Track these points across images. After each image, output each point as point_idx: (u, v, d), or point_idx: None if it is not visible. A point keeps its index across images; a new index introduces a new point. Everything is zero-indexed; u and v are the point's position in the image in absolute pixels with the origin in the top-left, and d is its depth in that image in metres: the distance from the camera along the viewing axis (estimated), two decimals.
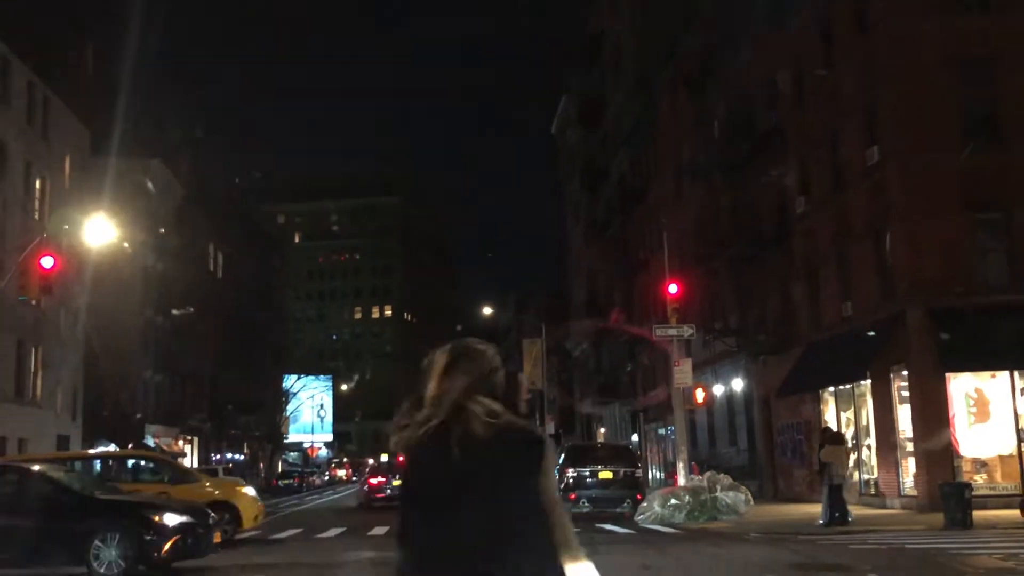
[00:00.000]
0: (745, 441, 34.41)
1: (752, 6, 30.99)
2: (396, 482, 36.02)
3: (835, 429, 23.71)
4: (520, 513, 2.83)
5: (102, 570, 13.47)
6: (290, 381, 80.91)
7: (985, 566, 13.05)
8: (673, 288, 27.60)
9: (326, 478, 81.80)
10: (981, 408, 22.36)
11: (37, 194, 39.90)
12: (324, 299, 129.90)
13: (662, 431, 43.95)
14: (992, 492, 21.58)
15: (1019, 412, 22.13)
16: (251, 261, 73.37)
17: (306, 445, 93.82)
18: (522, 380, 3.83)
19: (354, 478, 78.64)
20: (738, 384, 34.84)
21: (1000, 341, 21.79)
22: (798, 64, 28.85)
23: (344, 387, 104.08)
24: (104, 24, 47.37)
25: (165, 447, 48.92)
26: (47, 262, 22.76)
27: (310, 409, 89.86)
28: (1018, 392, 22.20)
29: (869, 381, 24.60)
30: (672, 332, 26.90)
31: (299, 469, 75.44)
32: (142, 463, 21.53)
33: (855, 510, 21.39)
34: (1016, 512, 18.47)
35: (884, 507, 23.64)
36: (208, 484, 20.77)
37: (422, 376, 3.04)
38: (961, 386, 22.41)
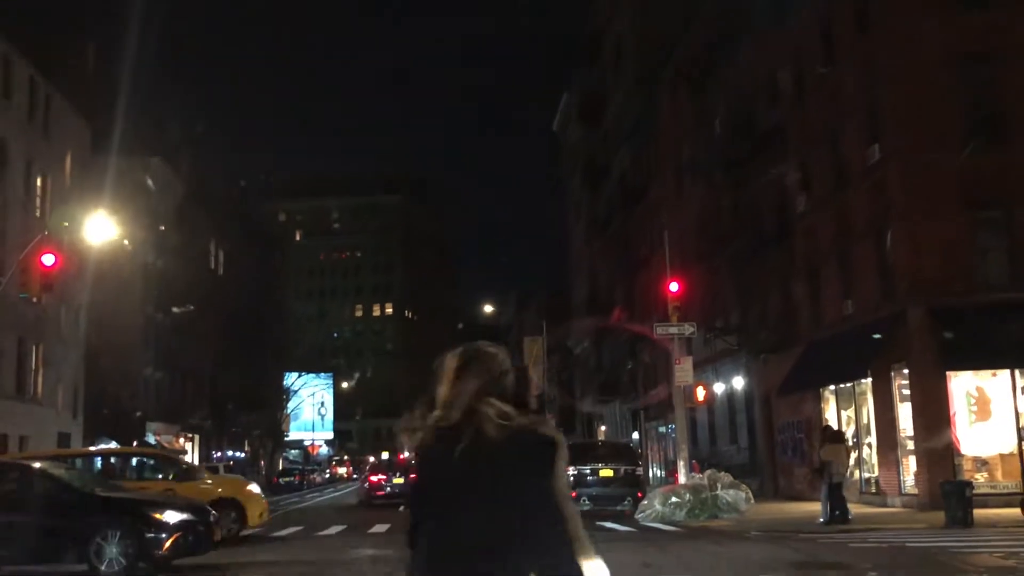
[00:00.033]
0: (746, 439, 34.43)
1: (753, 5, 30.97)
2: (397, 480, 36.09)
3: (835, 427, 23.73)
4: (533, 513, 2.86)
5: (103, 567, 13.47)
6: (291, 379, 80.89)
7: (986, 564, 13.06)
8: (674, 286, 27.59)
9: (327, 476, 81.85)
10: (982, 407, 22.37)
11: (38, 192, 39.92)
12: (325, 297, 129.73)
13: (663, 429, 43.96)
14: (993, 491, 21.58)
15: (1020, 411, 22.13)
16: (252, 259, 73.36)
17: (307, 443, 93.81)
18: (532, 376, 3.87)
19: (355, 476, 78.68)
20: (739, 382, 34.85)
21: (1001, 340, 21.78)
22: (799, 63, 28.84)
23: (345, 385, 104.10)
24: (105, 22, 47.43)
25: (166, 444, 48.93)
26: (48, 260, 22.76)
27: (311, 407, 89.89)
28: (1019, 391, 22.20)
29: (870, 379, 24.61)
30: (673, 330, 26.91)
31: (300, 467, 75.48)
32: (148, 460, 21.56)
33: (856, 508, 21.40)
34: (1017, 511, 18.46)
35: (885, 505, 23.66)
36: (213, 481, 20.85)
37: (433, 379, 3.08)
38: (962, 385, 22.42)
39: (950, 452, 21.79)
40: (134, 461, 21.25)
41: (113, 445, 38.07)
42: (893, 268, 23.62)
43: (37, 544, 13.59)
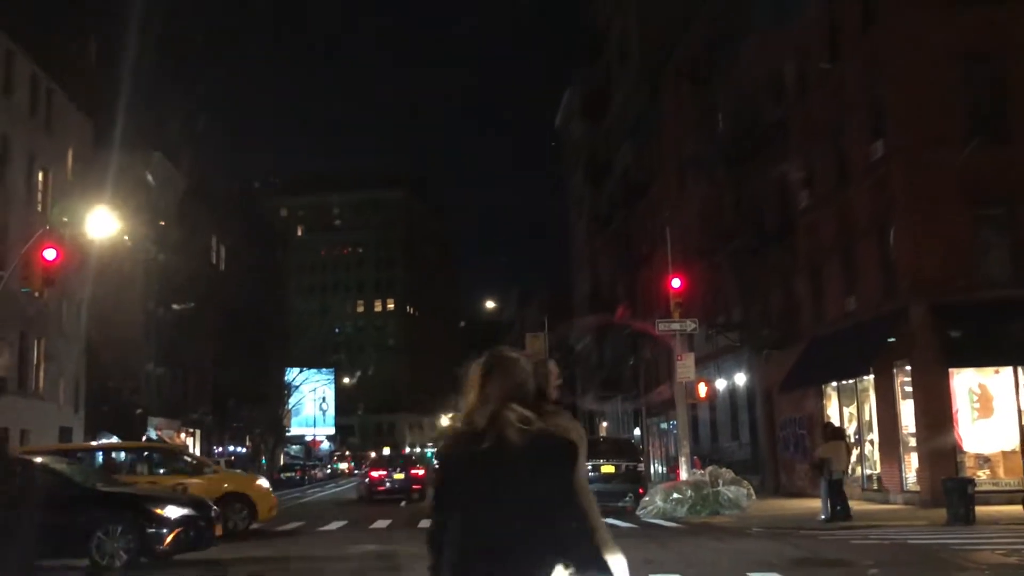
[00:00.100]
0: (747, 436, 34.41)
1: (755, 2, 30.91)
2: (397, 475, 36.17)
3: (837, 424, 23.71)
4: (556, 511, 3.02)
5: (104, 562, 13.49)
6: (292, 374, 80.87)
7: (988, 562, 13.04)
8: (676, 282, 27.59)
9: (328, 471, 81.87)
10: (984, 404, 22.34)
11: (40, 187, 39.91)
12: (327, 292, 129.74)
13: (664, 426, 43.97)
14: (995, 488, 21.55)
15: (1022, 408, 22.10)
16: (254, 254, 73.28)
17: (308, 438, 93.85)
18: (552, 367, 4.02)
19: (356, 471, 78.71)
20: (741, 379, 34.83)
21: (1004, 337, 21.77)
22: (802, 59, 28.78)
23: (346, 380, 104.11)
24: (107, 19, 47.33)
25: (167, 439, 48.92)
26: (50, 254, 22.74)
27: (312, 402, 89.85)
28: (1022, 388, 22.16)
29: (872, 376, 24.59)
30: (675, 326, 26.92)
31: (301, 462, 75.48)
32: (156, 456, 21.57)
33: (857, 505, 21.40)
34: (1019, 508, 18.46)
35: (887, 503, 23.64)
36: (223, 477, 20.92)
37: (461, 388, 3.29)
38: (964, 382, 22.40)
39: (952, 449, 21.76)
40: (143, 456, 21.29)
41: (114, 440, 38.10)
42: (895, 265, 23.60)
43: (38, 538, 13.58)
